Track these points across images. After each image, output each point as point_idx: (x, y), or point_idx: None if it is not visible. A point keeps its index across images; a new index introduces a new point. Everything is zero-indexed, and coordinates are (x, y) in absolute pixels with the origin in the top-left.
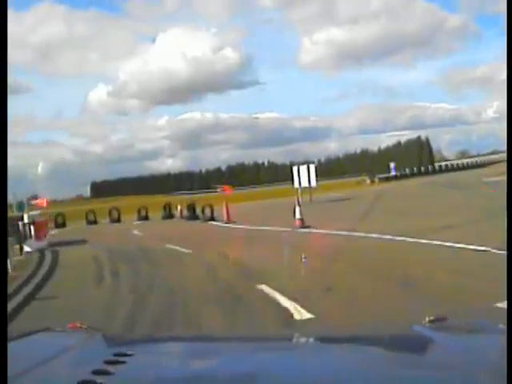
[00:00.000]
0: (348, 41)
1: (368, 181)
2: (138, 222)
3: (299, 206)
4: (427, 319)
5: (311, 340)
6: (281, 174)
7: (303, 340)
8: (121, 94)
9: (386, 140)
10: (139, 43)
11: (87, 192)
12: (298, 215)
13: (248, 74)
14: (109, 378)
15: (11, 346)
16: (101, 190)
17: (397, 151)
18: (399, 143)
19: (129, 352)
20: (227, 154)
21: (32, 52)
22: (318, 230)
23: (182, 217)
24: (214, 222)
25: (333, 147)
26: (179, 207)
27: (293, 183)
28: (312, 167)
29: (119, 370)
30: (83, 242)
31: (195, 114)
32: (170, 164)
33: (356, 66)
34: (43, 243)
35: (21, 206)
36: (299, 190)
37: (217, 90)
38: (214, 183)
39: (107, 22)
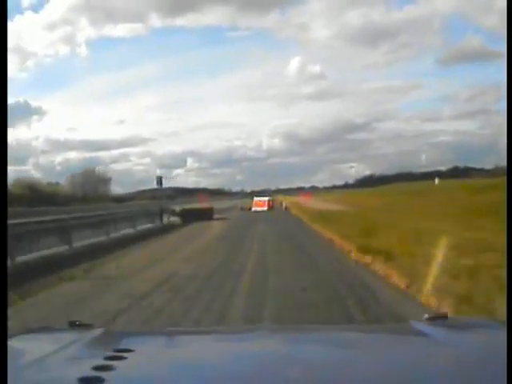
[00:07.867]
0: None
1: None
2: None
3: None
4: (426, 316)
5: (310, 336)
6: None
7: (303, 336)
8: None
9: None
10: None
11: None
12: None
13: None
14: (110, 373)
15: (11, 344)
16: None
17: None
18: None
19: (129, 348)
20: None
21: None
22: None
23: None
24: None
25: None
26: None
27: None
28: None
29: (120, 366)
30: None
31: None
32: None
33: None
34: None
35: None
36: None
37: None
38: None
39: None
